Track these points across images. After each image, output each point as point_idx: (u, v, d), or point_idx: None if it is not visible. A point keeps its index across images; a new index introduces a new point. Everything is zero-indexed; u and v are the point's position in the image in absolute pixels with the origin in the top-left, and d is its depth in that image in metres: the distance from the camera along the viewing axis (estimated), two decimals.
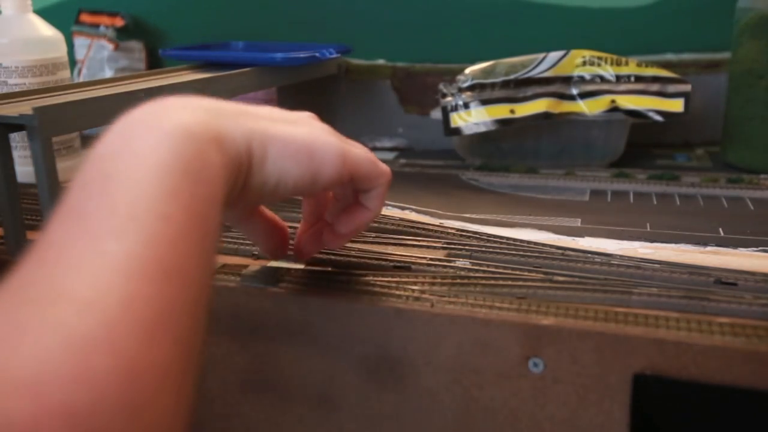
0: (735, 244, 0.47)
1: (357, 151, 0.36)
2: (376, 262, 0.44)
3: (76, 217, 0.22)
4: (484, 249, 0.46)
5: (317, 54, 0.67)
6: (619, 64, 0.67)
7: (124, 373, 0.18)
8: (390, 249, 0.47)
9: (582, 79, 0.67)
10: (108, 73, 0.89)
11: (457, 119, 0.67)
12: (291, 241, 0.44)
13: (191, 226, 0.23)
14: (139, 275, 0.21)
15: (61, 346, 0.18)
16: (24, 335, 0.18)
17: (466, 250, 0.46)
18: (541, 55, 0.67)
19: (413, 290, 0.40)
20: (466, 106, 0.67)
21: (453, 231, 0.50)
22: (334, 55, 0.69)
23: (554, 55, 0.67)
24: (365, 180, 0.37)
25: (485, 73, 0.67)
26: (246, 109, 0.33)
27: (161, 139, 0.25)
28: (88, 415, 0.17)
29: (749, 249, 0.46)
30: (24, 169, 0.53)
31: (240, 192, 0.32)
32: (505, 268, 0.43)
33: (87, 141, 0.73)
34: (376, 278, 0.42)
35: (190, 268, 0.23)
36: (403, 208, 0.56)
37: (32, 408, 0.16)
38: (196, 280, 0.23)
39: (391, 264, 0.44)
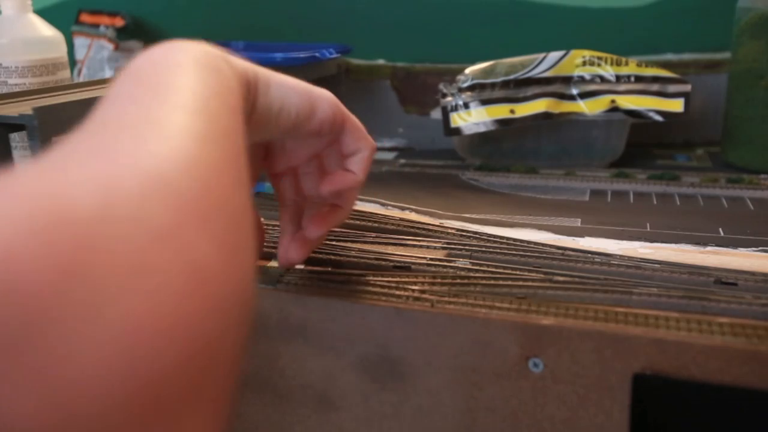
0: (735, 244, 0.47)
1: None
2: (376, 262, 0.44)
3: (111, 102, 0.25)
4: (484, 249, 0.46)
5: (317, 54, 0.67)
6: (619, 64, 0.67)
7: (186, 167, 0.21)
8: (390, 249, 0.47)
9: (582, 79, 0.67)
10: (108, 73, 0.89)
11: (457, 119, 0.67)
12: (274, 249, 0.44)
13: (219, 103, 0.26)
14: (184, 110, 0.24)
15: (131, 151, 0.21)
16: (106, 149, 0.21)
17: (466, 250, 0.46)
18: (541, 55, 0.67)
19: (413, 290, 0.40)
20: (466, 106, 0.67)
21: (453, 231, 0.50)
22: (334, 55, 0.69)
23: (554, 55, 0.67)
24: (355, 133, 0.40)
25: (485, 73, 0.67)
26: None
27: (178, 50, 0.29)
28: (175, 188, 0.20)
29: (749, 249, 0.46)
30: None
31: (250, 113, 0.34)
32: (505, 268, 0.43)
33: None
34: (376, 278, 0.42)
35: (227, 125, 0.26)
36: (403, 208, 0.56)
37: (128, 173, 0.19)
38: (234, 136, 0.26)
39: (391, 264, 0.44)
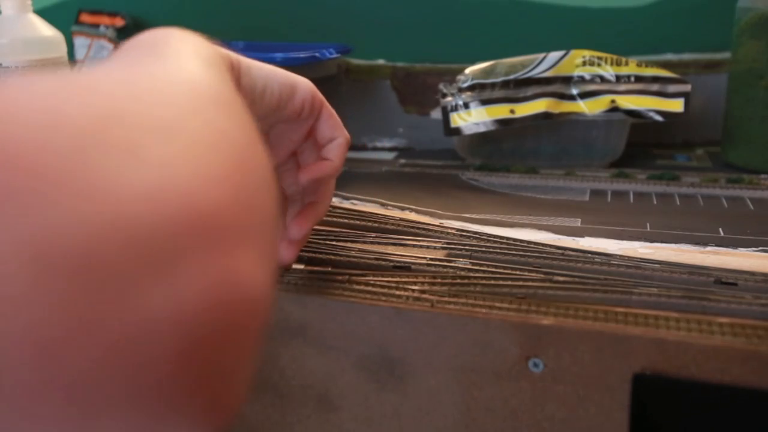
0: (735, 244, 0.47)
1: None
2: (376, 262, 0.44)
3: (109, 61, 0.26)
4: (484, 249, 0.46)
5: (317, 54, 0.67)
6: (619, 64, 0.67)
7: (195, 80, 0.24)
8: (390, 249, 0.47)
9: (582, 79, 0.67)
10: None
11: (457, 119, 0.67)
12: None
13: (212, 64, 0.28)
14: (185, 55, 0.26)
15: (143, 68, 0.24)
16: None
17: (466, 250, 0.46)
18: (541, 55, 0.67)
19: (413, 290, 0.40)
20: (466, 106, 0.67)
21: (453, 231, 0.50)
22: (334, 55, 0.69)
23: (554, 55, 0.67)
24: (330, 120, 0.41)
25: (485, 73, 0.67)
26: None
27: (163, 31, 0.30)
28: (190, 84, 0.23)
29: (749, 249, 0.46)
30: None
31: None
32: (505, 268, 0.43)
33: None
34: (376, 278, 0.42)
35: (225, 75, 0.28)
36: (403, 208, 0.56)
37: (144, 75, 0.22)
38: (232, 85, 0.27)
39: (391, 264, 0.44)
